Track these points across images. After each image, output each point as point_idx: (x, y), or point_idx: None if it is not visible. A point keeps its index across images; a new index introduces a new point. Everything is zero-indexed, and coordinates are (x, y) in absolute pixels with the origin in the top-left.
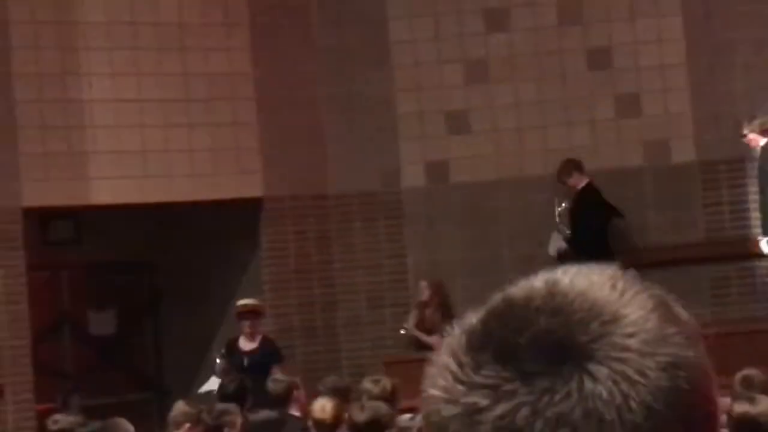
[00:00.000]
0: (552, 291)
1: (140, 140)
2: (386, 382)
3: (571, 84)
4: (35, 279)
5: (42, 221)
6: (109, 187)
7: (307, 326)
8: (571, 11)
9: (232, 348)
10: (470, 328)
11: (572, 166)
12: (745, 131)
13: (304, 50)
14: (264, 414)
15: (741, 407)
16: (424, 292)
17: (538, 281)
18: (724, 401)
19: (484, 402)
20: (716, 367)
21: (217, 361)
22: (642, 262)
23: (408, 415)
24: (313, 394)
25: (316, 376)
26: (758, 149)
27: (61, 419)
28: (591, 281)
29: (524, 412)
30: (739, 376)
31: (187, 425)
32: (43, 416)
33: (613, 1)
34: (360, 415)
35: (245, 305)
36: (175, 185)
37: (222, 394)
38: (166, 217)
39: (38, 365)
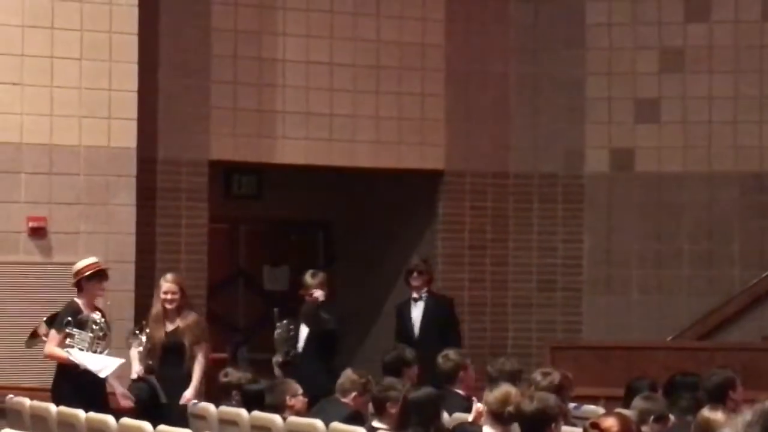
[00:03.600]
0: None
1: (328, 103)
2: (555, 376)
3: None
4: (215, 231)
5: (226, 175)
6: (294, 146)
7: (477, 303)
8: None
9: (78, 312)
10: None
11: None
12: None
13: (498, 26)
14: (425, 390)
15: None
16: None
17: None
18: None
19: None
20: None
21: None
22: None
23: (573, 405)
24: (479, 372)
25: (481, 353)
26: None
27: (232, 373)
28: None
29: None
30: None
31: (354, 393)
32: (210, 365)
33: None
34: (528, 405)
35: (99, 262)
36: (358, 151)
37: (383, 364)
38: (347, 180)
39: (211, 315)
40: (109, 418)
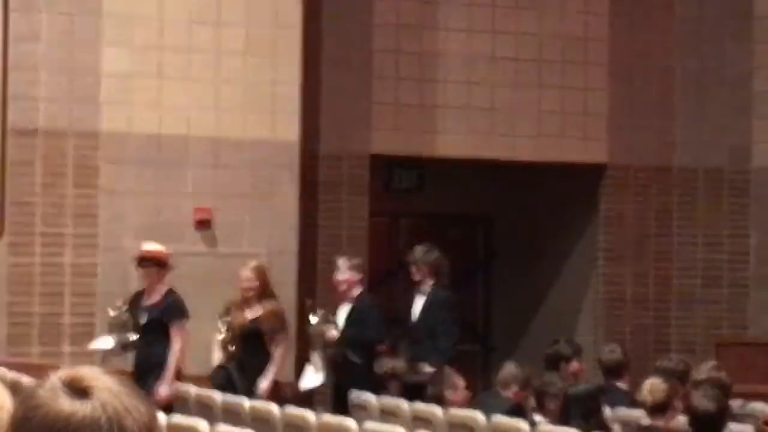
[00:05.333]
0: None
1: (489, 97)
2: (719, 375)
3: None
4: (375, 224)
5: (387, 169)
6: (455, 140)
7: (639, 299)
8: None
9: (135, 300)
10: None
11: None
12: None
13: (663, 19)
14: (585, 386)
15: None
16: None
17: None
18: None
19: None
20: None
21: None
22: None
23: (738, 402)
24: (641, 369)
25: (644, 349)
26: None
27: (386, 363)
28: None
29: None
30: None
31: (515, 387)
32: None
33: None
34: (704, 404)
35: (141, 250)
36: (520, 144)
37: (543, 359)
38: (508, 174)
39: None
40: (273, 407)
